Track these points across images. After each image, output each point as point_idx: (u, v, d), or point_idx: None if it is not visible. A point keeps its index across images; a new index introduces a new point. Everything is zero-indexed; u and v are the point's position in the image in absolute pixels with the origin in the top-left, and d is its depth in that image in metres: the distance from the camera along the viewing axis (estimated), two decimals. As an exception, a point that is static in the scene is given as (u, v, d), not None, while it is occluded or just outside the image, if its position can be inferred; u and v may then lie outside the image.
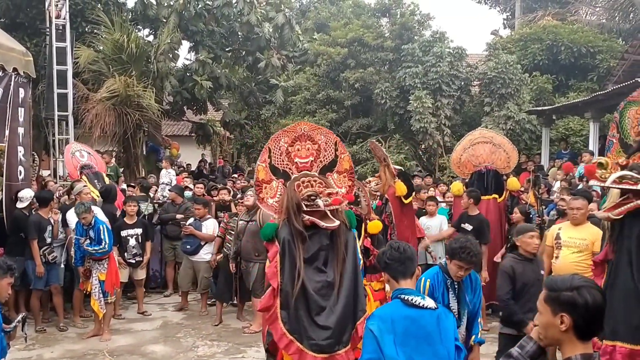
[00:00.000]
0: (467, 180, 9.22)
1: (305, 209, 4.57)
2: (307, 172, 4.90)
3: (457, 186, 9.04)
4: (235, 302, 8.73)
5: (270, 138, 5.04)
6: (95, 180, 9.24)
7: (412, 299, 3.20)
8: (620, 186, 4.36)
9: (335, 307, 4.44)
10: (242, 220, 8.10)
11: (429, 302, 3.24)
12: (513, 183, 9.12)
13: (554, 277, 2.52)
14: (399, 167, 8.22)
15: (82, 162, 9.63)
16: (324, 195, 4.70)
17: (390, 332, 3.09)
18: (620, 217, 4.45)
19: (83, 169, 9.48)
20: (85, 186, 8.74)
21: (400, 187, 7.32)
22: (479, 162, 8.90)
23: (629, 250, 4.44)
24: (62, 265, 8.49)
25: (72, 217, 8.20)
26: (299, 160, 4.94)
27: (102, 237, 7.50)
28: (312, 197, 4.62)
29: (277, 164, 4.93)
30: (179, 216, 9.72)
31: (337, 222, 4.60)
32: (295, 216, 4.54)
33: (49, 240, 8.07)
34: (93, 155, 10.21)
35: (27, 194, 8.11)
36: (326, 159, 5.02)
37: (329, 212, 4.60)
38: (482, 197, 8.46)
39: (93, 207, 8.52)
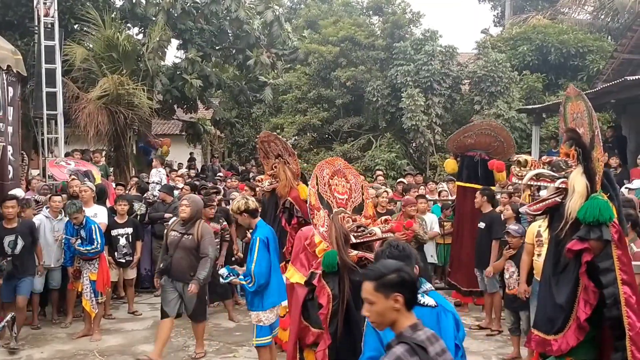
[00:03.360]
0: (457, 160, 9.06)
1: (354, 240, 4.42)
2: (344, 209, 4.82)
3: (452, 164, 8.94)
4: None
5: (317, 166, 5.03)
6: (86, 179, 9.17)
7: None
8: (537, 183, 4.46)
9: None
10: (174, 231, 6.78)
11: (429, 300, 3.27)
12: (502, 175, 9.14)
13: (371, 269, 2.85)
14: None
15: (69, 167, 9.57)
16: (378, 222, 4.59)
17: None
18: (538, 213, 4.58)
19: (71, 172, 9.41)
20: (84, 184, 8.65)
21: (305, 190, 6.73)
22: (477, 148, 8.77)
23: (550, 245, 4.60)
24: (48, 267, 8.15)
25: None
26: (338, 196, 4.89)
27: (94, 236, 7.44)
28: (362, 228, 4.48)
29: (322, 193, 4.86)
30: (167, 215, 9.67)
31: None
32: (345, 249, 4.35)
33: (8, 250, 7.24)
34: (81, 164, 10.19)
35: (17, 195, 8.02)
36: (356, 200, 4.98)
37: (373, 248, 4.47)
38: (471, 185, 8.50)
39: (97, 208, 8.49)
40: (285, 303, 5.83)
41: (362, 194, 5.02)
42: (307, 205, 4.85)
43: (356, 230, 4.48)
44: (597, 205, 4.09)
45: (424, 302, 3.23)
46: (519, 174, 4.53)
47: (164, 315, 6.71)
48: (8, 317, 6.41)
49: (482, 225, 8.08)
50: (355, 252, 4.38)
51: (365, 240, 4.47)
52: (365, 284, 2.75)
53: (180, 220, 6.77)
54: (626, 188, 9.08)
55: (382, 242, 4.47)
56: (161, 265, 6.81)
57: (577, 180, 4.24)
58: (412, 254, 3.42)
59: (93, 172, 9.68)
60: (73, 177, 9.13)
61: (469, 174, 8.73)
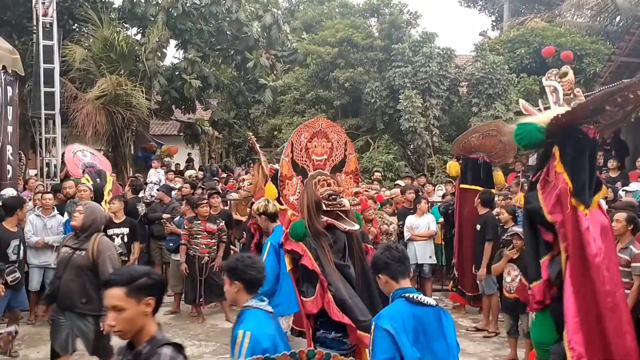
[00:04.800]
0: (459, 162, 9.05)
1: (325, 208, 4.52)
2: (322, 170, 4.88)
3: (455, 166, 8.93)
4: (201, 303, 8.55)
5: (294, 132, 5.02)
6: (98, 179, 9.11)
7: (417, 297, 3.28)
8: (549, 94, 4.55)
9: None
10: (66, 246, 5.50)
11: (431, 300, 3.34)
12: (498, 177, 9.15)
13: (117, 274, 2.72)
14: (277, 167, 7.02)
15: (84, 161, 9.47)
16: (348, 194, 4.67)
17: (403, 331, 3.14)
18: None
19: (85, 167, 9.33)
20: (83, 184, 8.59)
21: (271, 190, 6.58)
22: (481, 150, 8.76)
23: None
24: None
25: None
26: (315, 158, 4.93)
27: None
28: (333, 197, 4.56)
29: (297, 159, 4.91)
30: (165, 216, 9.67)
31: (358, 226, 4.63)
32: (316, 216, 4.49)
33: (13, 257, 6.78)
34: (96, 155, 10.09)
35: (8, 192, 7.96)
36: (337, 158, 5.04)
37: (342, 214, 4.58)
38: (475, 188, 8.50)
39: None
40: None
41: (345, 150, 5.07)
42: (279, 176, 4.92)
43: (328, 198, 4.55)
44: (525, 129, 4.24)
45: (427, 302, 3.29)
46: (549, 76, 4.61)
47: (54, 354, 5.48)
48: (12, 329, 6.22)
49: (478, 227, 8.15)
50: (325, 218, 4.49)
51: (334, 209, 4.55)
52: (113, 291, 2.60)
53: (73, 234, 5.53)
54: (623, 190, 9.11)
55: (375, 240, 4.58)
56: (47, 290, 5.50)
57: (553, 110, 4.37)
58: (408, 256, 3.51)
59: (107, 174, 9.54)
60: (86, 174, 9.08)
61: (474, 176, 8.71)
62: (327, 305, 4.45)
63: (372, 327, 3.20)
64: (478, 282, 8.17)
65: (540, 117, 4.35)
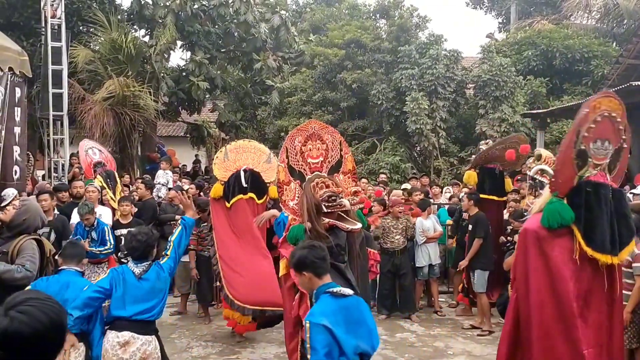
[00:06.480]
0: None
1: (325, 210, 4.52)
2: (319, 173, 4.89)
3: (473, 176, 8.88)
4: (215, 304, 8.75)
5: (287, 137, 5.06)
6: (108, 180, 9.12)
7: (340, 290, 3.44)
8: (540, 178, 4.55)
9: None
10: None
11: (349, 290, 3.51)
12: (508, 184, 9.15)
13: None
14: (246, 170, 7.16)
15: (95, 159, 9.47)
16: (347, 194, 4.68)
17: (337, 324, 3.27)
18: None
19: (96, 167, 9.32)
20: (91, 184, 8.59)
21: (216, 190, 6.97)
22: (498, 160, 8.73)
23: None
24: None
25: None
26: (311, 161, 4.96)
27: (107, 238, 7.37)
28: (333, 198, 4.57)
29: (293, 164, 4.95)
30: (177, 217, 9.63)
31: (360, 225, 4.64)
32: (316, 219, 4.49)
33: None
34: (104, 152, 10.10)
35: (8, 192, 7.94)
36: (333, 159, 5.06)
37: (343, 214, 4.59)
38: (492, 198, 8.55)
39: (102, 209, 8.42)
40: None
41: (341, 150, 5.09)
42: (276, 183, 4.97)
43: (327, 199, 4.57)
44: (554, 209, 4.11)
45: (349, 293, 3.44)
46: (530, 166, 4.64)
47: None
48: None
49: (470, 227, 8.34)
50: (327, 220, 4.51)
51: (335, 210, 4.57)
52: None
53: None
54: (631, 193, 9.10)
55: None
56: None
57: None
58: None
59: (115, 174, 9.54)
60: (98, 175, 9.08)
61: (491, 186, 8.69)
62: (302, 314, 4.49)
63: (307, 325, 3.28)
64: (472, 281, 8.27)
65: (544, 197, 4.28)
